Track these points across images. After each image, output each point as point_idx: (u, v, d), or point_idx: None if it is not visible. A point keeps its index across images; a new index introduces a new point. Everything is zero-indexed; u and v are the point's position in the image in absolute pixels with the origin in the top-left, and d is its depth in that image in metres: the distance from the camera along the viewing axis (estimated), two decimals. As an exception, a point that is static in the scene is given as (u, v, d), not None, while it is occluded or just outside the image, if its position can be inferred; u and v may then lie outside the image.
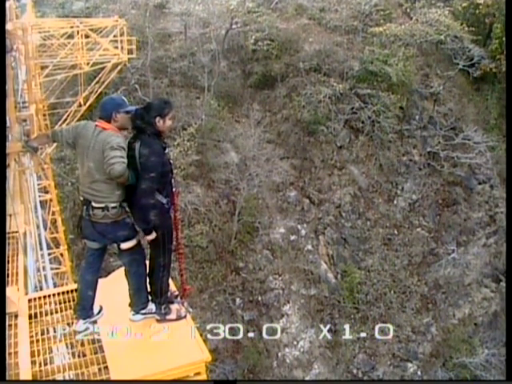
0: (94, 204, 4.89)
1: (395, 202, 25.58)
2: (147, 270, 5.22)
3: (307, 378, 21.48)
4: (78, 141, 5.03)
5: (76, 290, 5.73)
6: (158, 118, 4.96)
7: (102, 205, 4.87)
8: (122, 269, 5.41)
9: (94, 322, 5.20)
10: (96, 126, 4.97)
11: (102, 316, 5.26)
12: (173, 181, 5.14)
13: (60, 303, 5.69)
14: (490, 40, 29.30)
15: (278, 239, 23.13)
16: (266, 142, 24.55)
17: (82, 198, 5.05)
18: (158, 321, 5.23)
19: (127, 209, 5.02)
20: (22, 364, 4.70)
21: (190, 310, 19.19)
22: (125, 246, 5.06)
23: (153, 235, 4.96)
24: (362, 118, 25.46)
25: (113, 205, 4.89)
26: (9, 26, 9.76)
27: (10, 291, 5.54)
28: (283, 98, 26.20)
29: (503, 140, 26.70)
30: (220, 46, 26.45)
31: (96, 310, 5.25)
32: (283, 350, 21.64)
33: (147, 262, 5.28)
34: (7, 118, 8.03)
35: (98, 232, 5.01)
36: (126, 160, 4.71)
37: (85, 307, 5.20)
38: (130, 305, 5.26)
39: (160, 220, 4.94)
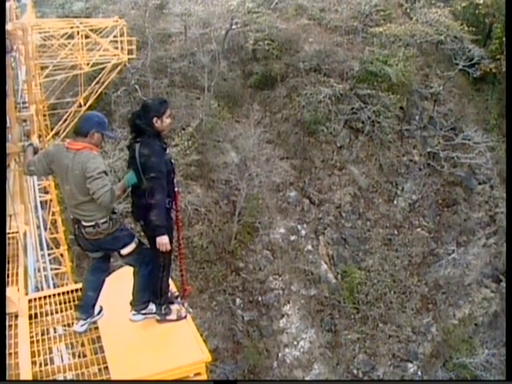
0: (84, 223, 4.88)
1: (395, 202, 25.58)
2: (154, 270, 5.20)
3: (307, 378, 21.48)
4: (54, 166, 4.92)
5: (76, 291, 5.75)
6: (155, 119, 4.95)
7: (92, 223, 4.86)
8: (123, 269, 5.41)
9: (94, 323, 5.21)
10: (67, 148, 4.82)
11: (102, 316, 5.27)
12: (175, 181, 5.14)
13: (60, 303, 5.69)
14: (490, 40, 29.26)
15: (278, 239, 23.12)
16: (266, 142, 24.54)
17: (71, 217, 5.03)
18: (158, 321, 5.23)
19: (118, 218, 5.02)
20: (22, 364, 4.69)
21: (190, 310, 19.18)
22: (125, 251, 5.06)
23: (163, 238, 4.85)
24: (361, 118, 25.45)
25: (102, 220, 4.87)
26: (9, 27, 9.76)
27: (10, 291, 5.54)
28: (283, 98, 26.19)
29: (503, 140, 26.68)
30: (220, 47, 26.45)
31: (97, 310, 5.27)
32: (283, 350, 21.64)
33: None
34: (7, 118, 8.03)
35: (95, 246, 5.04)
36: (109, 184, 4.65)
37: (87, 306, 5.21)
38: (131, 303, 5.26)
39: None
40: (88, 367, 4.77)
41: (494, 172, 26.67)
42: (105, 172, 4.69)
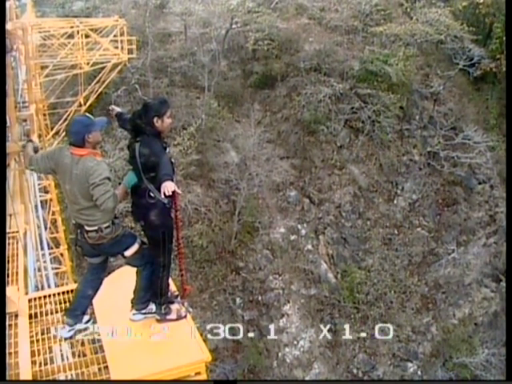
0: (86, 228, 4.86)
1: (395, 201, 25.57)
2: (156, 270, 5.19)
3: (307, 378, 21.48)
4: (58, 169, 4.89)
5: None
6: (156, 118, 4.94)
7: (95, 227, 4.84)
8: (122, 268, 5.41)
9: (80, 331, 5.16)
10: (71, 153, 4.78)
11: (89, 326, 5.21)
12: (174, 180, 5.12)
13: (60, 303, 5.69)
14: (490, 40, 29.23)
15: (278, 239, 23.12)
16: (266, 142, 24.54)
17: (73, 222, 5.00)
18: (158, 321, 5.23)
19: (120, 222, 5.00)
20: (22, 364, 4.70)
21: (190, 309, 19.13)
22: (128, 253, 5.05)
23: (170, 182, 4.52)
24: (362, 117, 25.44)
25: (106, 225, 4.85)
26: (9, 26, 9.76)
27: (10, 291, 5.55)
28: (283, 98, 26.19)
29: (503, 140, 26.68)
30: (220, 46, 26.44)
31: (85, 318, 5.23)
32: (283, 350, 21.64)
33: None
34: (7, 118, 8.02)
35: (98, 250, 5.02)
36: (112, 190, 4.65)
37: (75, 311, 5.18)
38: (132, 301, 5.27)
39: (161, 220, 4.94)
40: (88, 366, 4.78)
41: (493, 172, 26.66)
42: (108, 178, 4.67)
